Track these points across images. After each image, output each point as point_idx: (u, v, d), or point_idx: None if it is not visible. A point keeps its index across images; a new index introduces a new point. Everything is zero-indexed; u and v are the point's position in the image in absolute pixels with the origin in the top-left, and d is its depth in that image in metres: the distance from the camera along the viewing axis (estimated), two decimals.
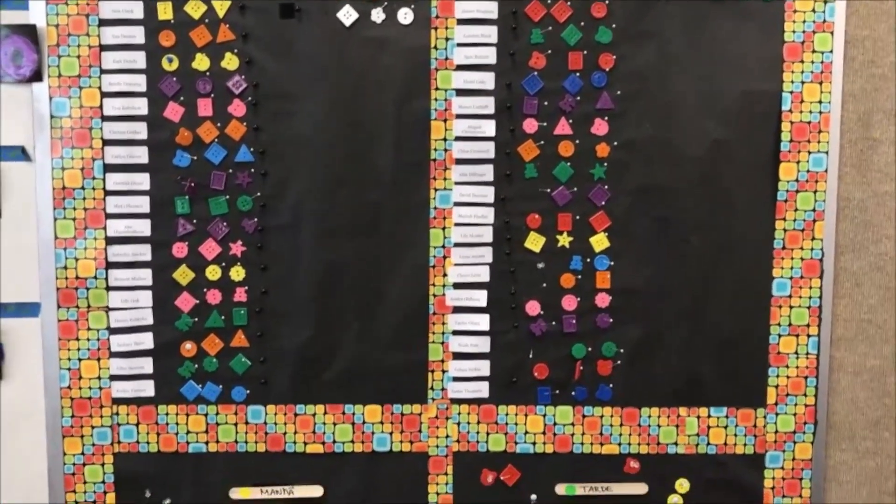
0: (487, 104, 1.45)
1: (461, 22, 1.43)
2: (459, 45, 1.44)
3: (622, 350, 1.49)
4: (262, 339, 1.47)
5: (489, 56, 1.44)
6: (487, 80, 1.45)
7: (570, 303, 1.48)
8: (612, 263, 1.48)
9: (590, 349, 1.49)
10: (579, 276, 1.48)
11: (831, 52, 1.45)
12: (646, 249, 1.48)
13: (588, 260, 1.48)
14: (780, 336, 1.49)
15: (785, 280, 1.49)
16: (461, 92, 1.45)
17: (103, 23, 1.41)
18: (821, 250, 1.48)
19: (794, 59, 1.45)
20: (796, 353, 1.50)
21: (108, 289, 1.45)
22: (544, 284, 1.48)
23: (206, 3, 1.41)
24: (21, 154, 1.44)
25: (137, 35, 1.41)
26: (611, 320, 1.48)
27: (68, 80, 1.42)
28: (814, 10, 1.44)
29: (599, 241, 1.47)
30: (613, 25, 1.44)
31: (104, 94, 1.42)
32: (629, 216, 1.47)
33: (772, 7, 1.44)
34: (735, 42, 1.45)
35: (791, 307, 1.49)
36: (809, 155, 1.47)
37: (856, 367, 1.53)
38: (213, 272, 1.46)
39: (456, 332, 1.48)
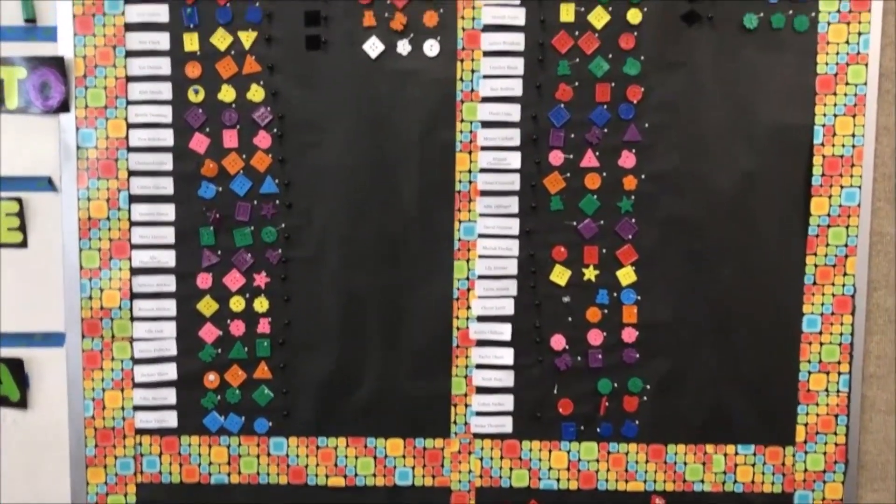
0: (513, 136, 1.44)
1: (487, 54, 1.42)
2: (485, 76, 1.42)
3: (648, 386, 1.47)
4: (285, 371, 1.46)
5: (515, 88, 1.43)
6: (513, 112, 1.43)
7: (595, 337, 1.46)
8: (638, 298, 1.46)
9: (615, 385, 1.47)
10: (605, 311, 1.46)
11: (865, 84, 1.42)
12: (673, 284, 1.45)
13: (615, 294, 1.46)
14: (809, 373, 1.46)
15: (815, 316, 1.46)
16: (487, 124, 1.43)
17: (130, 54, 1.41)
18: (853, 286, 1.45)
19: (827, 91, 1.42)
20: (826, 390, 1.47)
21: (133, 319, 1.45)
22: (570, 318, 1.46)
23: (233, 35, 1.41)
24: (48, 184, 1.45)
25: (164, 66, 1.42)
26: (637, 356, 1.46)
27: (95, 111, 1.42)
28: (847, 42, 1.41)
29: (626, 275, 1.45)
30: (642, 57, 1.42)
31: (130, 125, 1.42)
32: (657, 250, 1.45)
33: (805, 38, 1.41)
34: (766, 74, 1.42)
35: (821, 344, 1.46)
36: (842, 189, 1.44)
37: (888, 406, 1.49)
38: (236, 303, 1.45)
39: (479, 366, 1.47)
